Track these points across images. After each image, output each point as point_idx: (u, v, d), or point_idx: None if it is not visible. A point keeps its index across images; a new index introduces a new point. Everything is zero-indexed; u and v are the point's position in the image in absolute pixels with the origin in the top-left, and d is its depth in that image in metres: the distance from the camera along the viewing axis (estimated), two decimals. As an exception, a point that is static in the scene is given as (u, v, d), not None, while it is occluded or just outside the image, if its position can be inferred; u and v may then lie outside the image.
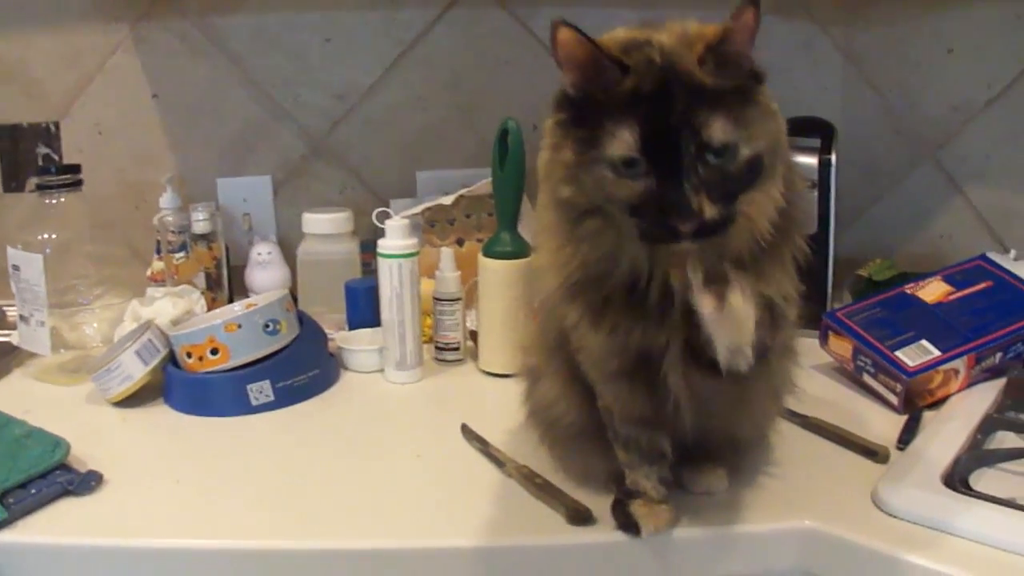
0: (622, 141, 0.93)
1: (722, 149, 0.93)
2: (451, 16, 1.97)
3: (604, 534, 1.14)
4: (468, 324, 1.69)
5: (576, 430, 1.19)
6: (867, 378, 1.50)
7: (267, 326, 1.51)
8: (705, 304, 0.96)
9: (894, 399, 1.46)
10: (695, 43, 0.95)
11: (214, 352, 1.49)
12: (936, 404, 1.47)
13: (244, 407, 1.48)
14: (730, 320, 0.97)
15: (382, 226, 1.58)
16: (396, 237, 1.55)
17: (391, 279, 1.55)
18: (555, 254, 1.05)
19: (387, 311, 1.56)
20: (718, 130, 0.92)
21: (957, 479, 1.22)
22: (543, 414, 1.24)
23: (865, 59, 2.02)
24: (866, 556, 1.11)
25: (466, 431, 1.38)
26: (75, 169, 1.72)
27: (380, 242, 1.56)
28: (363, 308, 1.68)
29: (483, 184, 1.77)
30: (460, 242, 1.82)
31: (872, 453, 1.30)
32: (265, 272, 1.89)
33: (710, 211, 0.92)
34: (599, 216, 0.99)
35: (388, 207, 1.86)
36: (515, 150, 1.53)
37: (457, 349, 1.65)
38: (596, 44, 0.93)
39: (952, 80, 1.88)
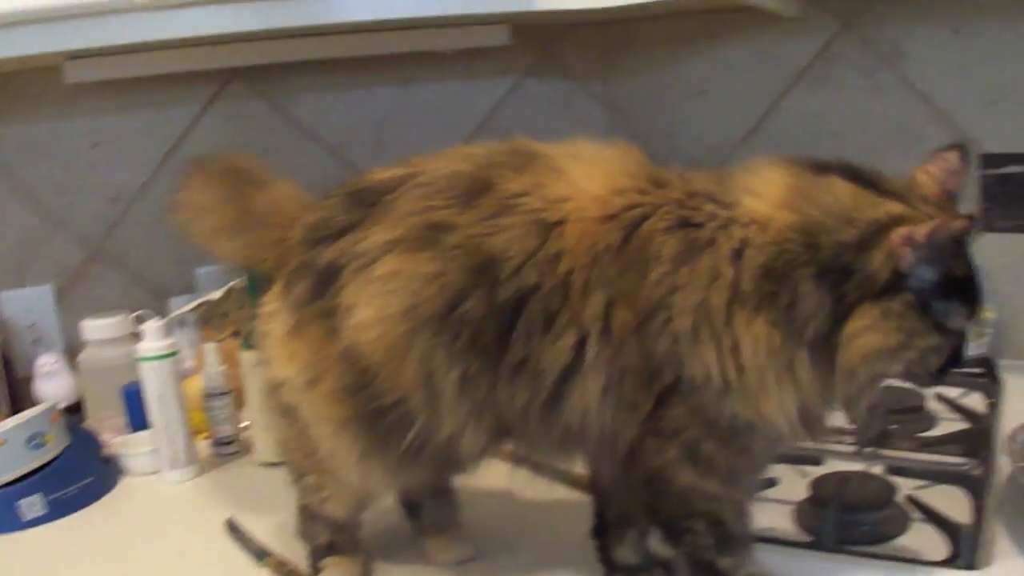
0: (964, 315, 0.99)
1: None
2: (214, 110, 2.00)
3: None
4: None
5: None
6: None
7: (31, 440, 1.50)
8: None
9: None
10: None
11: (-21, 471, 1.48)
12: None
13: (16, 523, 1.47)
14: None
15: (141, 329, 1.58)
16: (153, 339, 1.56)
17: (153, 381, 1.55)
18: None
19: (155, 412, 1.57)
20: None
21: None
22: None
23: (625, 109, 2.10)
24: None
25: (231, 526, 1.39)
26: None
27: (139, 345, 1.57)
28: (141, 411, 1.67)
29: (252, 274, 1.78)
30: (237, 334, 1.83)
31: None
32: (51, 383, 1.87)
33: None
34: None
35: (168, 306, 1.86)
36: (261, 242, 1.55)
37: (232, 443, 1.66)
38: None
39: (708, 120, 1.97)
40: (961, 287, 0.98)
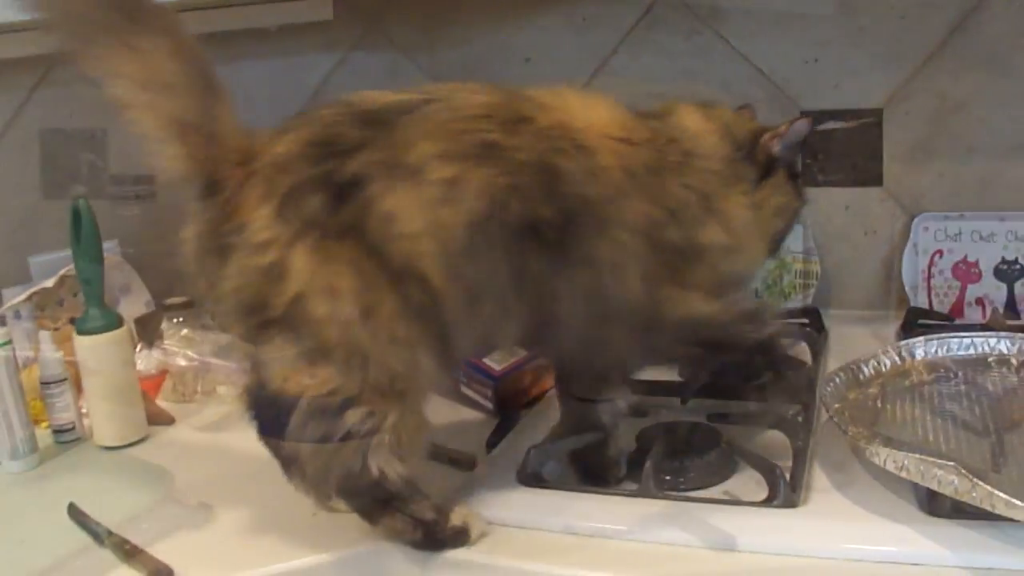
0: (803, 191, 1.49)
1: None
2: (38, 97, 1.97)
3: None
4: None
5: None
6: (464, 389, 1.58)
7: None
8: None
9: (488, 404, 1.54)
10: None
11: None
12: (535, 401, 1.56)
13: None
14: None
15: (-31, 320, 1.57)
16: (-16, 329, 1.54)
17: (-14, 371, 1.54)
18: None
19: (-10, 404, 1.55)
20: None
21: (530, 473, 1.29)
22: None
23: (450, 79, 2.10)
24: (449, 567, 1.18)
25: (72, 510, 1.38)
26: None
27: (-31, 338, 1.55)
28: (-22, 404, 1.65)
29: (84, 262, 1.77)
30: (74, 321, 1.82)
31: (457, 462, 1.37)
32: None
33: None
34: None
35: (1, 297, 1.84)
36: (88, 228, 1.54)
37: (72, 429, 1.65)
38: None
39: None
40: (799, 175, 1.45)
